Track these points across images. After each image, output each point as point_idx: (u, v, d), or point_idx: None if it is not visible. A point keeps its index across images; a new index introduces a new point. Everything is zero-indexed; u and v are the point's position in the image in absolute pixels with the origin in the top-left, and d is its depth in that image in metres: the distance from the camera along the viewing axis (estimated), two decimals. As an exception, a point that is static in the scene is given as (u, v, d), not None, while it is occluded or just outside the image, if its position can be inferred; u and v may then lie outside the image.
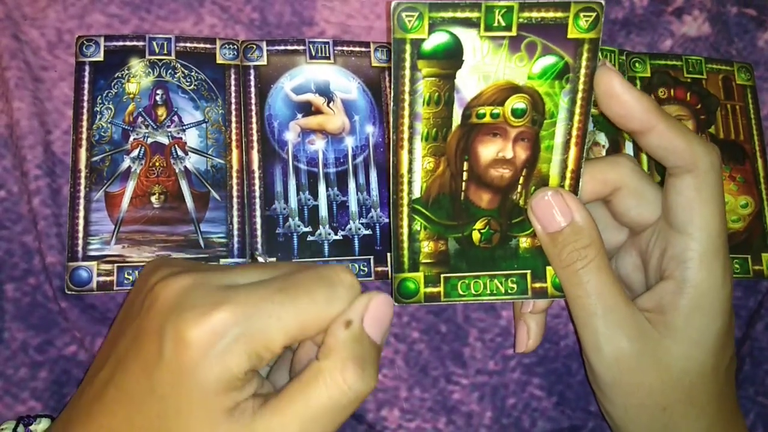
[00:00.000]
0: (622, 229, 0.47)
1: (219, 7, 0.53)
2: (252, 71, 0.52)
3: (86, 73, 0.50)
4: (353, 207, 0.51)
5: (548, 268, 0.45)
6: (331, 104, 0.53)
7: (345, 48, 0.54)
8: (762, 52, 0.60)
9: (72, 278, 0.47)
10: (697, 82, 0.57)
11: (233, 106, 0.52)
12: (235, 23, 0.54)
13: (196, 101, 0.51)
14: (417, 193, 0.43)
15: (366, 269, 0.50)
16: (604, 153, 0.54)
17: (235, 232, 0.49)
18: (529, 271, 0.45)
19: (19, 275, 0.48)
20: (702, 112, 0.56)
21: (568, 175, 0.44)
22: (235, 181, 0.50)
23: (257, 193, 0.50)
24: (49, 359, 0.48)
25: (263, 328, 0.35)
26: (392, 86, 0.40)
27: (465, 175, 0.43)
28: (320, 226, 0.51)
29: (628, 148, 0.54)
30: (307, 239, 0.50)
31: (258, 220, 0.50)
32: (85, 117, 0.50)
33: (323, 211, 0.51)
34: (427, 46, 0.40)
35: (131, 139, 0.50)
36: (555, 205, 0.43)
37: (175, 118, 0.51)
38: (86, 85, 0.50)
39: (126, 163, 0.49)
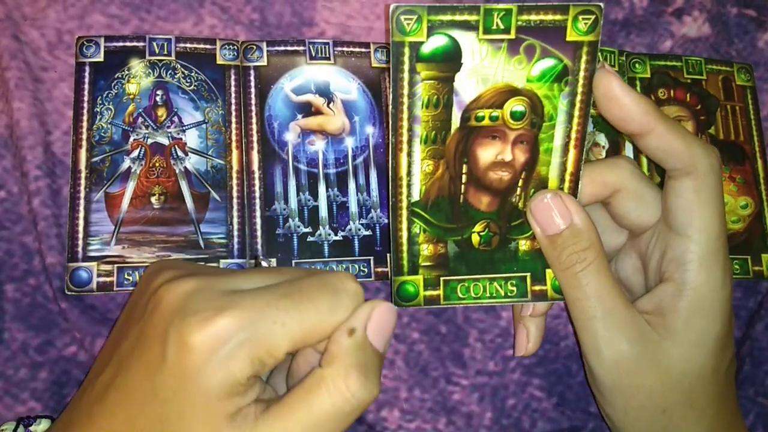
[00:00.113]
0: (621, 231, 0.47)
1: (219, 7, 0.53)
2: (252, 72, 0.52)
3: (86, 74, 0.50)
4: (353, 208, 0.51)
5: (548, 270, 0.45)
6: (331, 105, 0.52)
7: (345, 48, 0.54)
8: (762, 53, 0.60)
9: (72, 279, 0.47)
10: (697, 83, 0.57)
11: (233, 107, 0.52)
12: (235, 24, 0.53)
13: (196, 102, 0.51)
14: (416, 196, 0.43)
15: (366, 270, 0.50)
16: (604, 154, 0.54)
17: (235, 233, 0.49)
18: (528, 274, 0.45)
19: (19, 276, 0.48)
20: (702, 112, 0.56)
21: (568, 177, 0.44)
22: (235, 181, 0.50)
23: (257, 194, 0.50)
24: (49, 360, 0.48)
25: (267, 333, 0.35)
26: (391, 89, 0.40)
27: (464, 178, 0.43)
28: (320, 227, 0.51)
29: (628, 148, 0.54)
30: (307, 240, 0.50)
31: (258, 220, 0.50)
32: (85, 117, 0.50)
33: (323, 212, 0.51)
34: (426, 49, 0.40)
35: (131, 139, 0.50)
36: (554, 207, 0.43)
37: (175, 119, 0.51)
38: (86, 86, 0.50)
39: (126, 163, 0.49)
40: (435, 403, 0.51)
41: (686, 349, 0.43)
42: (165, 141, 0.50)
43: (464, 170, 0.43)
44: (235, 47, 0.52)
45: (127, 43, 0.51)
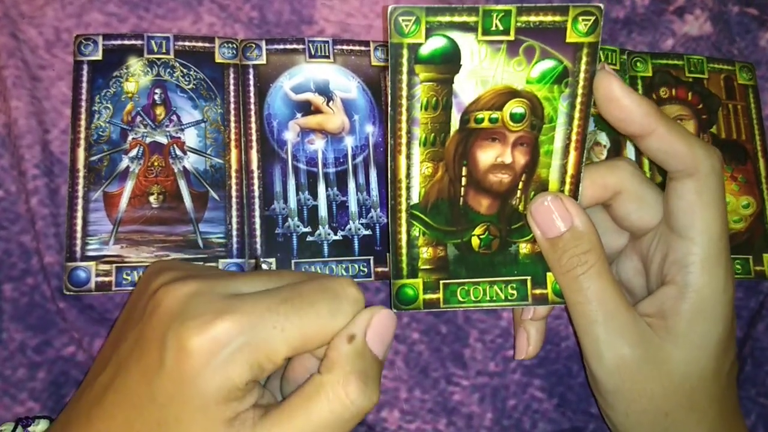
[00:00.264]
0: (622, 233, 0.47)
1: (218, 5, 0.53)
2: (251, 70, 0.52)
3: (84, 72, 0.50)
4: (353, 207, 0.51)
5: (548, 274, 0.44)
6: (330, 103, 0.52)
7: (344, 47, 0.53)
8: (764, 52, 0.59)
9: (70, 278, 0.47)
10: (699, 82, 0.57)
11: (232, 106, 0.51)
12: (234, 22, 0.53)
13: (194, 100, 0.51)
14: (415, 199, 0.43)
15: (366, 269, 0.50)
16: (605, 153, 0.54)
17: (234, 233, 0.49)
18: (529, 277, 0.45)
19: (17, 275, 0.48)
20: (703, 111, 0.56)
21: (568, 179, 0.43)
22: (234, 180, 0.50)
23: (256, 193, 0.50)
24: (48, 360, 0.48)
25: (267, 338, 0.35)
26: (390, 91, 0.40)
27: (464, 181, 0.43)
28: (320, 227, 0.50)
29: (630, 148, 0.54)
30: (307, 239, 0.50)
31: (257, 220, 0.50)
32: (83, 116, 0.49)
33: (323, 211, 0.51)
34: (425, 50, 0.39)
35: (130, 138, 0.50)
36: (555, 210, 0.43)
37: (174, 118, 0.50)
38: (84, 84, 0.50)
39: (124, 162, 0.49)
40: (435, 404, 0.51)
41: (688, 352, 0.43)
42: (163, 140, 0.50)
43: (464, 173, 0.43)
44: (234, 45, 0.52)
45: (126, 42, 0.51)
